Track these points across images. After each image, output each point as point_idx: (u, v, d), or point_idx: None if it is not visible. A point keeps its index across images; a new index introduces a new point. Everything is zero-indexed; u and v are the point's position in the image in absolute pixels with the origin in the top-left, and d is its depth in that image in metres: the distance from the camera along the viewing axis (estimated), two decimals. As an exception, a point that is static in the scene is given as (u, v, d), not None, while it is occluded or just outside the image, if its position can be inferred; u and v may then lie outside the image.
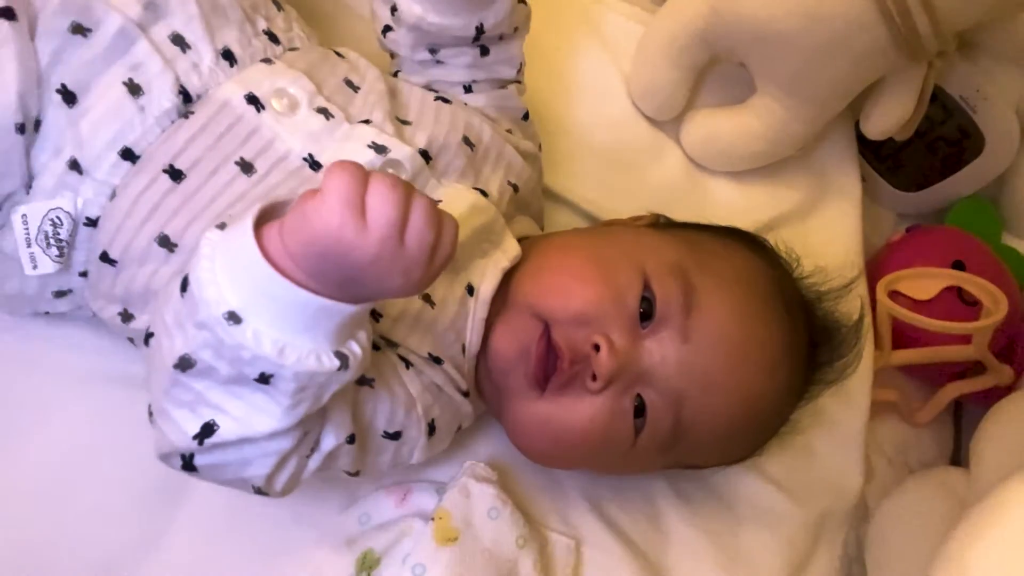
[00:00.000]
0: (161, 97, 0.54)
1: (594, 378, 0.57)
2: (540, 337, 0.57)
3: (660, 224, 0.71)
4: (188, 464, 0.48)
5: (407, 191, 0.43)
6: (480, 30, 0.62)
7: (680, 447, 0.62)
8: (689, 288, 0.59)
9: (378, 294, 0.45)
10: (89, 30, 0.54)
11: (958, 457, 0.87)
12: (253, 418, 0.46)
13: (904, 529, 0.72)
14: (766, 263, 0.66)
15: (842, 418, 0.79)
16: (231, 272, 0.43)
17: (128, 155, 0.54)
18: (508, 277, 0.60)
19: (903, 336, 0.82)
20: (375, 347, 0.56)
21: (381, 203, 0.42)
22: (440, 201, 0.58)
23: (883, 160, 0.93)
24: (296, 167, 0.55)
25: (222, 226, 0.46)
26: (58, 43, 0.54)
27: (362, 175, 0.42)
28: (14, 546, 0.60)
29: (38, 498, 0.61)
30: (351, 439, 0.54)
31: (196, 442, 0.47)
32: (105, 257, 0.55)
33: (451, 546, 0.57)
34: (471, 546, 0.58)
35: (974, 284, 0.81)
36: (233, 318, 0.43)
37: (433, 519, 0.59)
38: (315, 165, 0.56)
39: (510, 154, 0.66)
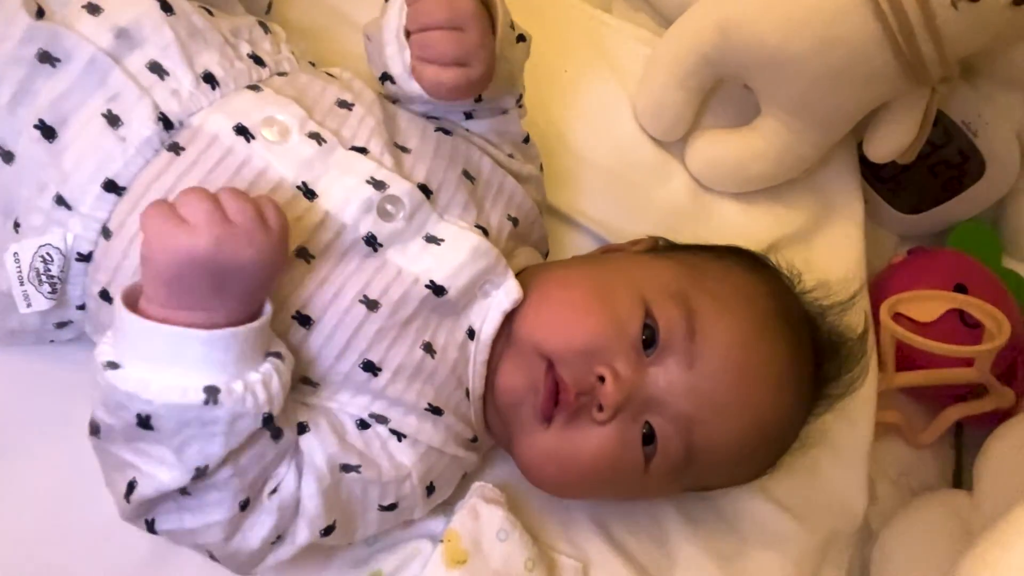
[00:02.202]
0: (140, 126, 0.54)
1: (600, 409, 0.57)
2: (547, 373, 0.58)
3: (659, 248, 0.71)
4: (151, 528, 0.53)
5: (205, 189, 0.48)
6: (479, 98, 0.63)
7: (692, 471, 0.62)
8: (691, 313, 0.59)
9: (248, 277, 0.48)
10: (58, 60, 0.54)
11: (959, 479, 0.88)
12: (155, 469, 0.49)
13: (909, 552, 0.72)
14: (766, 280, 0.66)
15: (846, 440, 0.79)
16: (114, 331, 0.49)
17: (112, 187, 0.53)
18: (510, 314, 0.60)
19: (906, 358, 0.82)
20: (364, 426, 0.56)
21: (192, 202, 0.47)
22: (443, 240, 0.58)
23: (884, 182, 0.93)
24: (290, 196, 0.55)
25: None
26: (25, 72, 0.53)
27: (166, 202, 0.48)
28: (20, 564, 0.59)
29: (44, 518, 0.60)
30: (327, 531, 0.55)
31: (126, 500, 0.51)
32: (105, 295, 0.55)
33: (460, 568, 0.57)
34: (480, 568, 0.58)
35: (976, 307, 0.81)
36: (111, 365, 0.48)
37: (442, 541, 0.59)
38: (310, 193, 0.55)
39: (510, 187, 0.66)
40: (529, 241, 0.69)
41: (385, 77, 0.62)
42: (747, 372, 0.60)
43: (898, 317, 0.83)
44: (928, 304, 0.83)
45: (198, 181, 0.54)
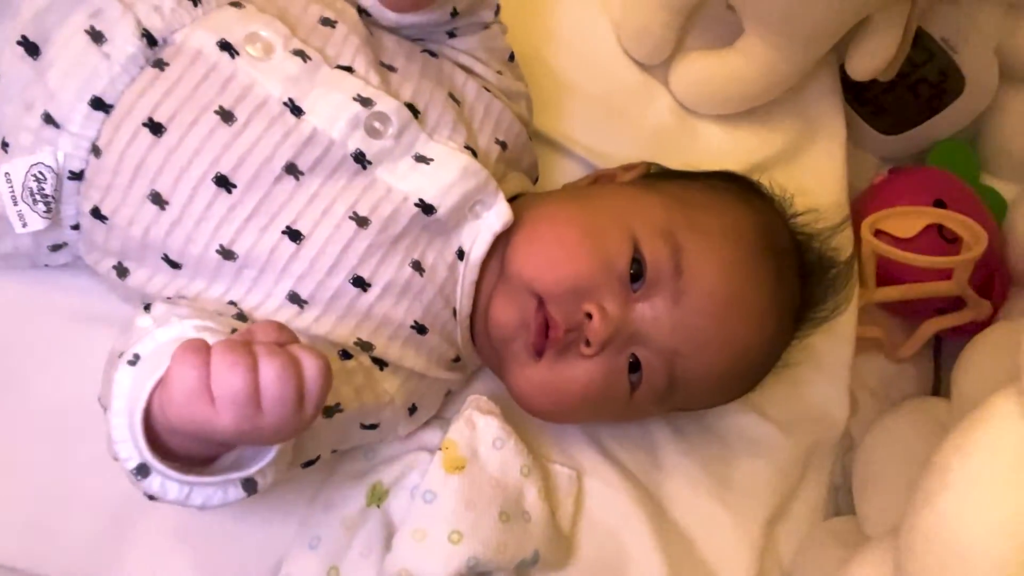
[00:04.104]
0: (124, 42, 0.53)
1: (588, 344, 0.59)
2: (536, 310, 0.59)
3: (651, 175, 0.71)
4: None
5: (250, 356, 0.43)
6: (455, 12, 0.62)
7: (675, 397, 0.64)
8: (678, 250, 0.60)
9: (264, 446, 0.46)
10: None
11: (938, 390, 0.90)
12: None
13: (888, 455, 0.75)
14: (756, 210, 0.67)
15: (829, 354, 0.81)
16: (135, 436, 0.45)
17: (99, 105, 0.53)
18: (500, 239, 0.61)
19: (886, 274, 0.84)
20: (347, 355, 0.57)
21: (225, 382, 0.42)
22: (432, 159, 0.58)
23: (865, 104, 0.94)
24: (277, 113, 0.55)
25: (135, 359, 0.47)
26: None
27: (202, 354, 0.42)
28: (21, 492, 0.60)
29: (42, 445, 0.61)
30: (309, 463, 0.56)
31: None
32: (97, 213, 0.55)
33: (459, 473, 0.59)
34: (478, 474, 0.60)
35: (955, 221, 0.83)
36: (142, 471, 0.46)
37: (441, 449, 0.60)
38: (296, 110, 0.55)
39: (497, 111, 0.66)
40: (519, 167, 0.69)
41: (361, 11, 0.62)
42: (730, 309, 0.62)
43: (879, 234, 0.83)
44: (908, 220, 0.84)
45: (184, 97, 0.54)
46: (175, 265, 0.56)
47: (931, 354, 0.92)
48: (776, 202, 0.71)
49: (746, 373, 0.67)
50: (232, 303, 0.56)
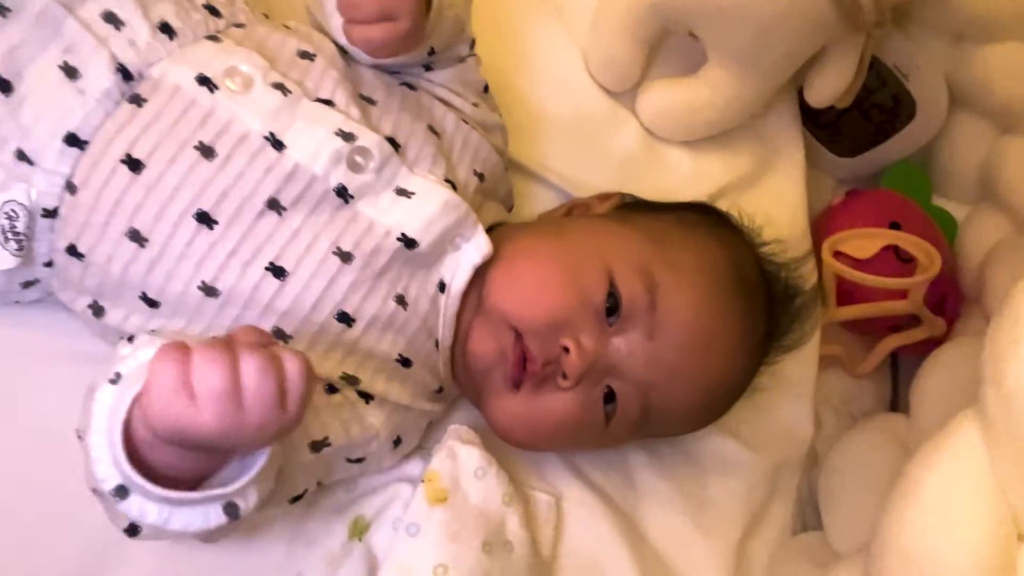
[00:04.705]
0: (99, 77, 0.53)
1: (565, 377, 0.60)
2: (515, 344, 0.60)
3: (627, 204, 0.72)
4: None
5: (231, 353, 0.42)
6: (432, 51, 0.63)
7: (649, 426, 0.66)
8: (652, 286, 0.62)
9: (248, 450, 0.46)
10: (8, 9, 0.52)
11: (896, 404, 0.93)
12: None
13: (852, 472, 0.76)
14: (726, 244, 0.69)
15: (794, 374, 0.82)
16: (114, 450, 0.44)
17: (73, 141, 0.53)
18: (480, 271, 0.61)
19: (845, 293, 0.86)
20: (333, 390, 0.57)
21: (205, 378, 0.41)
22: (414, 193, 0.58)
23: (823, 128, 0.97)
24: (258, 147, 0.54)
25: (116, 377, 0.46)
26: None
27: (182, 354, 0.42)
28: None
29: (12, 486, 0.60)
30: (296, 499, 0.55)
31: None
32: (73, 250, 0.54)
33: (442, 505, 0.59)
34: (460, 504, 0.60)
35: (910, 242, 0.85)
36: (120, 492, 0.45)
37: (423, 481, 0.61)
38: (277, 144, 0.55)
39: (475, 142, 0.66)
40: (495, 196, 0.70)
41: (339, 47, 0.62)
42: (703, 343, 0.63)
43: (838, 255, 0.86)
44: (865, 241, 0.86)
45: (163, 133, 0.53)
46: (153, 304, 0.55)
47: (889, 370, 0.94)
48: (745, 234, 0.73)
49: (718, 403, 0.69)
50: None
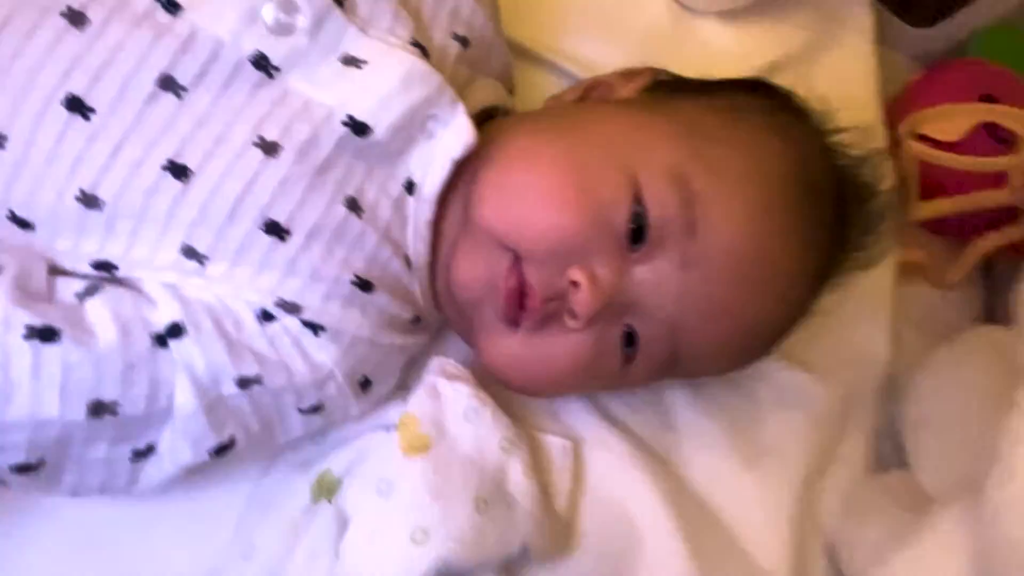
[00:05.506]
0: None
1: (574, 317, 0.48)
2: (509, 270, 0.48)
3: (659, 84, 0.58)
4: None
5: None
6: None
7: (679, 370, 0.54)
8: (690, 199, 0.49)
9: None
10: None
11: (992, 318, 0.80)
12: None
13: (946, 396, 0.65)
14: (789, 138, 0.54)
15: (865, 284, 0.69)
16: None
17: None
18: (464, 168, 0.49)
19: (929, 185, 0.74)
20: (268, 317, 0.46)
21: None
22: (365, 62, 0.46)
23: (894, -5, 0.83)
24: (144, 10, 0.43)
25: None
26: None
27: None
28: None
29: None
30: (222, 449, 0.46)
31: None
32: None
33: (422, 456, 0.48)
34: (446, 454, 0.49)
35: (1009, 116, 0.72)
36: None
37: (397, 427, 0.50)
38: (171, 5, 0.44)
39: None
40: (488, 70, 0.57)
41: None
42: (754, 274, 0.50)
43: (920, 139, 0.73)
44: (953, 120, 0.74)
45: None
46: (25, 224, 0.44)
47: (981, 279, 0.82)
48: (812, 119, 0.58)
49: (766, 342, 0.57)
50: (105, 263, 0.45)
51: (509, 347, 0.50)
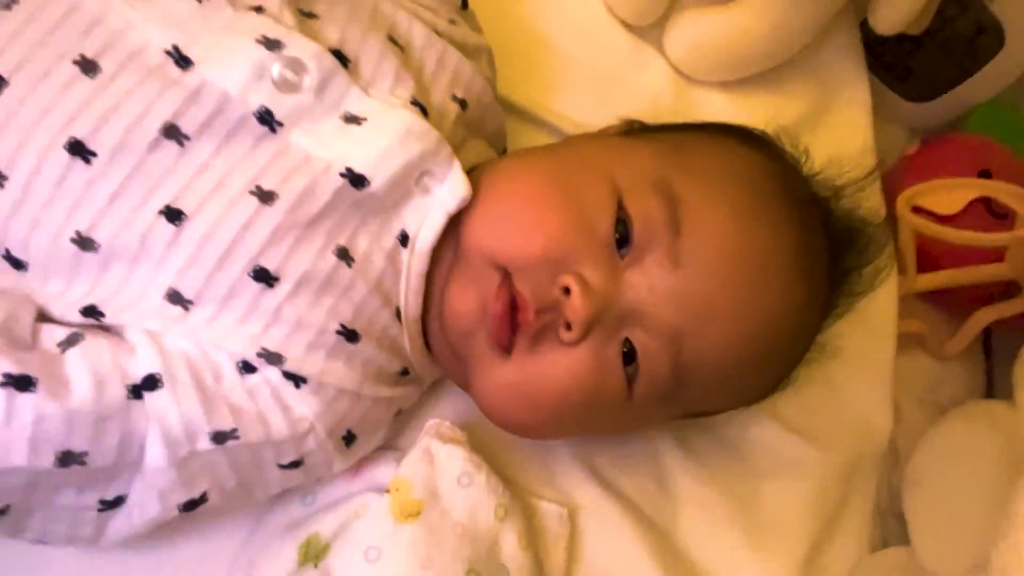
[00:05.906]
0: None
1: (568, 327, 0.47)
2: (499, 288, 0.47)
3: (634, 130, 0.60)
4: None
5: None
6: None
7: (685, 393, 0.52)
8: (673, 200, 0.49)
9: None
10: None
11: (992, 391, 0.80)
12: None
13: (946, 473, 0.64)
14: (765, 159, 0.55)
15: (865, 351, 0.69)
16: None
17: None
18: (455, 220, 0.49)
19: (927, 258, 0.74)
20: (249, 369, 0.45)
21: None
22: (365, 120, 0.47)
23: (890, 69, 0.84)
24: (157, 63, 0.44)
25: None
26: None
27: None
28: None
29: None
30: (192, 504, 0.45)
31: None
32: None
33: (413, 522, 0.47)
34: (438, 521, 0.47)
35: (1005, 192, 0.73)
36: None
37: (388, 491, 0.48)
38: (183, 61, 0.44)
39: (454, 61, 0.54)
40: (482, 133, 0.58)
41: None
42: (747, 268, 0.49)
43: (917, 211, 0.73)
44: (950, 194, 0.74)
45: (34, 44, 0.43)
46: (18, 264, 0.44)
47: (981, 350, 0.81)
48: (789, 155, 0.59)
49: (771, 355, 0.53)
50: (92, 309, 0.44)
51: (504, 376, 0.48)
